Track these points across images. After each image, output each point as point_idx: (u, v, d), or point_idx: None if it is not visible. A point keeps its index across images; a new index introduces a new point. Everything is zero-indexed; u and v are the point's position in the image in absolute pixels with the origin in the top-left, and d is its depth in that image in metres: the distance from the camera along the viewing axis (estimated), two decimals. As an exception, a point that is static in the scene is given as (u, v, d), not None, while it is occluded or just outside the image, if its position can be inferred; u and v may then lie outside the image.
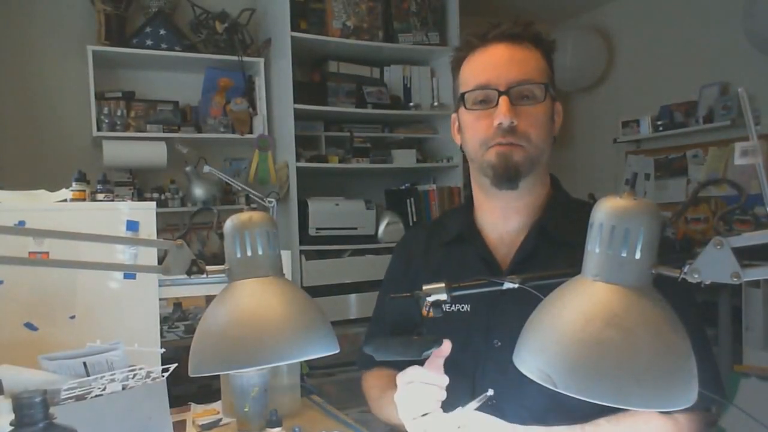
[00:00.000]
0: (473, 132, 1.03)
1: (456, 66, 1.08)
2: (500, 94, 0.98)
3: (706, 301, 3.05)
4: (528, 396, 0.95)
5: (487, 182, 1.04)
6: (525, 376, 0.93)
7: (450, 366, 1.01)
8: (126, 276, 1.34)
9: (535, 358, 0.58)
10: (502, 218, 1.07)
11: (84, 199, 1.61)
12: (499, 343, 0.99)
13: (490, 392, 0.88)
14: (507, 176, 1.00)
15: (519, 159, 0.99)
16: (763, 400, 2.73)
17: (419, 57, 3.34)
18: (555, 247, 1.00)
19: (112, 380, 1.00)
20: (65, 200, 1.48)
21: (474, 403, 0.87)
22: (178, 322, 2.42)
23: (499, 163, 1.00)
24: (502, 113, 0.97)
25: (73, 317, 1.28)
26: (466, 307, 1.04)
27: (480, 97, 1.01)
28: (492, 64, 1.01)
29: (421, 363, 0.86)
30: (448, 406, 0.91)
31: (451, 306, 1.04)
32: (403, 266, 1.20)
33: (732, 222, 0.56)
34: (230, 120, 2.99)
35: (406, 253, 1.22)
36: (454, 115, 1.11)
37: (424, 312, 0.78)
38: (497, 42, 1.02)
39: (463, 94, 1.04)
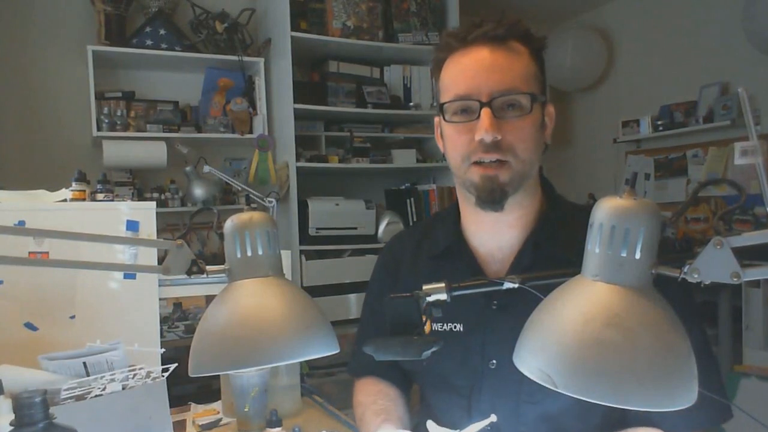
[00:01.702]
0: (454, 146, 0.95)
1: (436, 67, 0.99)
2: (482, 105, 0.89)
3: (707, 301, 3.05)
4: (525, 420, 0.93)
5: (472, 198, 0.96)
6: (522, 401, 0.93)
7: (445, 387, 1.00)
8: (126, 276, 1.34)
9: (535, 358, 0.57)
10: (493, 233, 1.00)
11: (84, 199, 1.61)
12: (495, 363, 0.95)
13: (494, 418, 0.86)
14: (491, 199, 0.92)
15: (505, 179, 0.91)
16: (763, 400, 2.74)
17: (419, 57, 3.33)
18: (550, 263, 0.89)
19: (112, 380, 1.00)
20: (65, 200, 1.48)
21: (473, 427, 0.86)
22: (178, 322, 2.42)
23: (483, 185, 0.92)
24: (484, 128, 0.88)
25: (73, 317, 1.28)
26: (459, 327, 0.98)
27: (460, 108, 0.93)
28: (472, 71, 0.91)
29: (421, 363, 0.85)
30: (443, 425, 0.90)
31: (443, 325, 0.99)
32: (391, 276, 1.15)
33: (732, 222, 0.56)
34: (230, 120, 2.98)
35: (392, 262, 1.16)
36: (437, 119, 1.01)
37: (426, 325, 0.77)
38: (479, 44, 0.92)
39: (442, 105, 0.95)
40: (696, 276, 0.55)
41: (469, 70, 0.92)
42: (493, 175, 0.91)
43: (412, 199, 3.26)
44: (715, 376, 0.92)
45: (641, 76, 4.01)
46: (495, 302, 0.96)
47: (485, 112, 0.89)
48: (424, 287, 0.77)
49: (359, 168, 3.16)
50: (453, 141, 0.95)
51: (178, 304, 2.43)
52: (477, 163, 0.92)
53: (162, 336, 1.49)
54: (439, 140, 1.03)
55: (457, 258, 1.03)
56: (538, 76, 0.95)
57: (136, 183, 2.89)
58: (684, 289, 0.63)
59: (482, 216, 0.98)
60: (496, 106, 0.90)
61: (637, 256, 0.55)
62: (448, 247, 1.04)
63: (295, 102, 2.88)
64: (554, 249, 0.95)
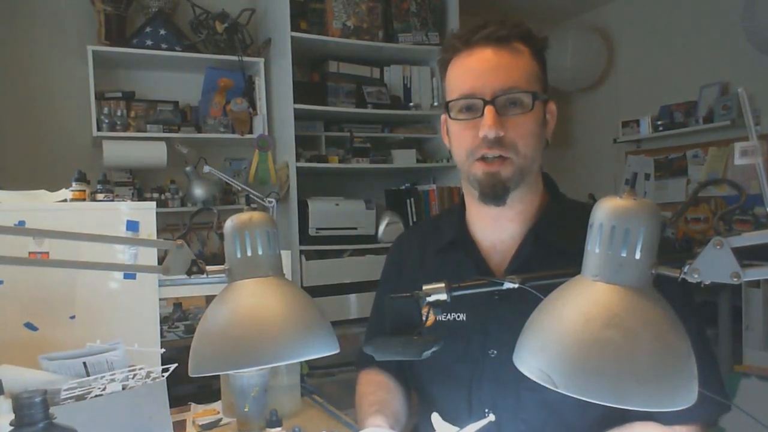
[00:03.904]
0: (459, 142, 1.00)
1: (442, 67, 1.04)
2: (485, 103, 0.93)
3: (707, 301, 3.05)
4: (525, 408, 0.94)
5: (475, 194, 1.01)
6: (521, 389, 0.94)
7: (446, 376, 1.01)
8: (126, 276, 1.34)
9: (535, 358, 0.57)
10: (495, 227, 1.04)
11: (84, 199, 1.61)
12: (495, 353, 0.97)
13: (492, 417, 0.87)
14: (494, 194, 0.97)
15: (507, 174, 0.95)
16: (763, 400, 2.74)
17: (419, 57, 3.34)
18: (551, 255, 0.95)
19: (112, 380, 1.00)
20: (65, 200, 1.48)
21: (472, 427, 0.86)
22: (178, 322, 2.42)
23: (486, 181, 0.96)
24: (487, 125, 0.92)
25: (73, 317, 1.28)
26: (462, 316, 1.01)
27: (465, 106, 0.97)
28: (476, 70, 0.96)
29: (421, 363, 0.85)
30: (444, 417, 0.90)
31: (446, 315, 1.02)
32: (395, 271, 1.18)
33: (732, 222, 0.56)
34: (230, 120, 2.98)
35: (398, 257, 1.20)
36: (443, 116, 1.06)
37: (426, 319, 0.77)
38: (483, 45, 0.96)
39: (447, 103, 1.00)
40: (696, 276, 0.55)
41: (473, 70, 0.96)
42: (495, 171, 0.95)
43: (412, 199, 3.26)
44: (715, 373, 0.93)
45: (641, 76, 4.01)
46: (497, 293, 0.96)
47: (489, 110, 0.93)
48: (424, 287, 0.78)
49: (359, 168, 3.16)
50: (458, 137, 1.00)
51: (178, 304, 2.43)
52: (480, 159, 0.96)
53: (162, 336, 1.49)
54: (446, 137, 1.08)
55: (461, 251, 1.07)
56: (539, 75, 0.99)
57: (136, 183, 2.89)
58: (684, 289, 0.63)
59: (485, 210, 1.02)
60: (499, 104, 0.94)
61: (637, 256, 0.55)
62: (453, 240, 1.08)
63: (295, 102, 2.88)
64: (554, 241, 0.98)
